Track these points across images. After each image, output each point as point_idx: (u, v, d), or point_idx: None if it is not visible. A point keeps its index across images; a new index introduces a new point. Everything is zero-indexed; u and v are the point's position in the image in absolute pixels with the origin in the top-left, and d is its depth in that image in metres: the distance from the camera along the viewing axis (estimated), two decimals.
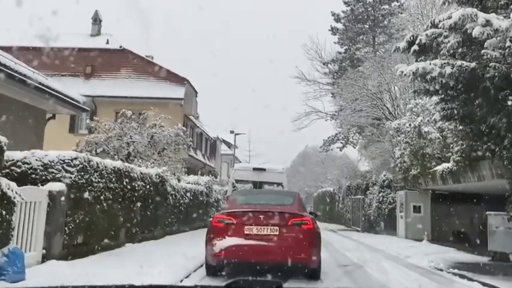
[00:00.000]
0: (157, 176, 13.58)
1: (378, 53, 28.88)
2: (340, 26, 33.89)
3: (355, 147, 31.13)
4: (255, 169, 17.90)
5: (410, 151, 18.20)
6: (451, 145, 16.24)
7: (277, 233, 7.95)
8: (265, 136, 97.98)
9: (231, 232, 8.09)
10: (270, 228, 7.97)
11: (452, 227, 19.80)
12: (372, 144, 25.59)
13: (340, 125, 29.30)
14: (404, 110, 21.35)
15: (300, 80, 30.77)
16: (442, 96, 11.32)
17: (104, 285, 1.65)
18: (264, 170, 17.77)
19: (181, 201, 16.70)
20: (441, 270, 10.79)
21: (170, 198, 14.89)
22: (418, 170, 18.22)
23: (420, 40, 11.70)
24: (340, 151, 32.95)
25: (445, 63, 10.57)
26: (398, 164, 20.71)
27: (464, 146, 14.14)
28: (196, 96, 31.77)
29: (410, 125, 18.22)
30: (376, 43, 32.27)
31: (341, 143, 31.84)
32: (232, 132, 59.78)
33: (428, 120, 17.60)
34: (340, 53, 32.75)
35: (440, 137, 16.72)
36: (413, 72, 10.96)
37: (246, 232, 8.04)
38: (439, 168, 16.18)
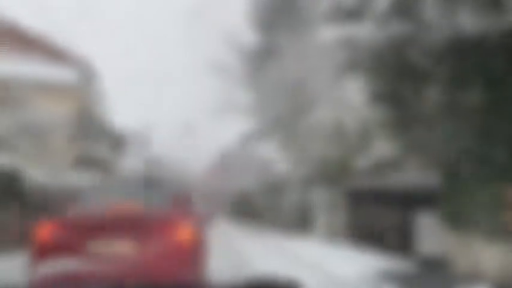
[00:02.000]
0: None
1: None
2: None
3: (271, 144, 29.25)
4: None
5: (330, 145, 16.43)
6: (373, 138, 14.74)
7: (135, 249, 5.19)
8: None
9: (65, 250, 5.19)
10: (123, 242, 5.19)
11: (374, 228, 18.44)
12: (290, 138, 23.80)
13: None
14: (325, 101, 19.79)
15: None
16: (370, 71, 9.42)
17: None
18: None
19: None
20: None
21: (28, 198, 11.45)
22: (338, 166, 16.53)
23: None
24: (255, 148, 30.79)
25: (375, 29, 8.65)
26: (317, 160, 18.93)
27: (390, 137, 12.52)
28: (97, 80, 27.63)
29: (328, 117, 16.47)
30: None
31: (257, 137, 29.78)
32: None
33: (349, 111, 15.99)
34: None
35: (362, 130, 15.19)
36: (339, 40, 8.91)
37: (87, 249, 5.18)
38: (361, 163, 14.58)
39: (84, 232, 5.24)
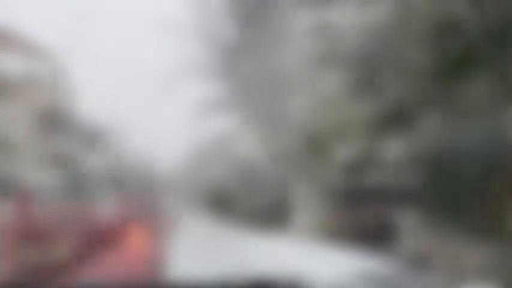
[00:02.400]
0: None
1: None
2: None
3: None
4: None
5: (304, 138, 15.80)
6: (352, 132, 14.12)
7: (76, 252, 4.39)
8: None
9: None
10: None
11: (356, 225, 17.97)
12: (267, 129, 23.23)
13: None
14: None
15: None
16: (349, 61, 8.72)
17: None
18: None
19: None
20: None
21: None
22: (314, 157, 15.89)
23: None
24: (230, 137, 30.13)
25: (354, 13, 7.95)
26: (294, 150, 18.33)
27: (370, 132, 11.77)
28: (66, 74, 25.76)
29: None
30: None
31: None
32: None
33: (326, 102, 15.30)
34: None
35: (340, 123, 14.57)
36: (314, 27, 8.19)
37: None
38: (339, 157, 13.98)
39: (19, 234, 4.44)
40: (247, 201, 26.17)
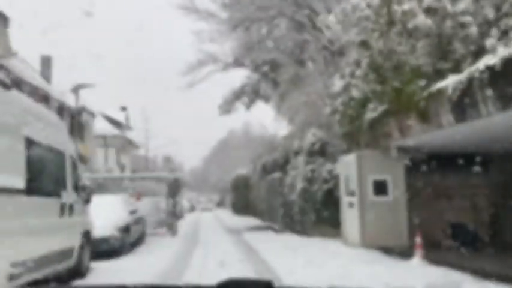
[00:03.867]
0: None
1: None
2: None
3: (267, 103, 21.93)
4: None
5: (370, 66, 9.09)
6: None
7: None
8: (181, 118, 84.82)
9: None
10: None
11: (445, 219, 11.40)
12: (293, 91, 16.59)
13: (244, 64, 19.85)
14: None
15: (188, 11, 20.80)
16: None
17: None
18: None
19: None
20: None
21: None
22: (385, 108, 9.29)
23: None
24: (247, 109, 23.29)
25: None
26: (340, 108, 11.76)
27: None
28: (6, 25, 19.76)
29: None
30: None
31: (248, 97, 22.37)
32: (124, 109, 48.51)
33: None
34: None
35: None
36: None
37: None
38: (442, 87, 7.30)
39: None
40: None
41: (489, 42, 6.39)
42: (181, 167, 60.36)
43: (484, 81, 5.91)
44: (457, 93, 6.47)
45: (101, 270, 7.85)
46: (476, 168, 11.60)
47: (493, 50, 6.31)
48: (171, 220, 14.82)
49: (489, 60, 5.81)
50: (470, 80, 6.19)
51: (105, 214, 9.58)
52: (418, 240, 8.12)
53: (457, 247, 10.61)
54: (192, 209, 49.36)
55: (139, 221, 12.25)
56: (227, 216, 34.30)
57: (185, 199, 54.04)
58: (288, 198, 15.93)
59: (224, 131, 61.38)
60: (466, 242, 10.48)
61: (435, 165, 11.47)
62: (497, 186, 11.19)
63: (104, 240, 9.38)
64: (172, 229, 14.53)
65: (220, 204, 66.34)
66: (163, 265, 8.38)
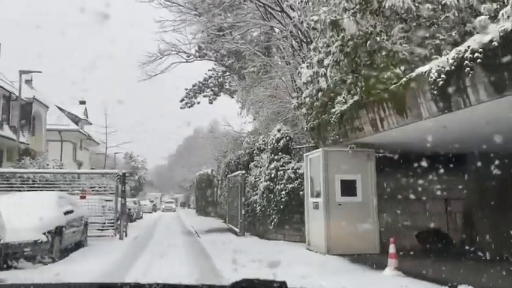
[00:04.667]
0: None
1: None
2: None
3: (232, 97, 20.73)
4: None
5: (342, 51, 8.05)
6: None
7: None
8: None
9: None
10: None
11: (417, 223, 10.55)
12: (259, 84, 15.48)
13: (207, 55, 18.55)
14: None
15: None
16: None
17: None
18: None
19: None
20: None
21: None
22: (357, 99, 8.26)
23: None
24: (211, 103, 21.98)
25: None
26: (307, 100, 10.72)
27: None
28: None
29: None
30: None
31: (212, 90, 21.07)
32: (83, 102, 46.07)
33: None
34: None
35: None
36: None
37: None
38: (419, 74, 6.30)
39: None
40: None
41: (479, 20, 5.49)
42: (144, 165, 58.03)
43: (476, 62, 5.00)
44: (442, 78, 5.54)
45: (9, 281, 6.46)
46: (451, 169, 10.91)
47: (483, 29, 5.41)
48: (120, 221, 13.39)
49: (483, 37, 4.90)
50: (459, 62, 5.27)
51: (32, 214, 8.15)
52: (392, 248, 7.15)
53: (431, 254, 9.89)
54: (154, 209, 47.44)
55: (78, 222, 10.79)
56: (190, 217, 32.81)
57: (147, 198, 52.10)
58: (250, 199, 14.80)
59: (192, 128, 59.71)
60: (438, 247, 9.72)
61: (408, 165, 10.66)
62: (471, 188, 10.51)
63: (28, 245, 7.95)
64: (120, 232, 13.12)
65: (184, 204, 64.58)
66: (92, 277, 7.05)
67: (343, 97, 9.52)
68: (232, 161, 20.64)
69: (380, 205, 10.31)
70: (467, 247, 10.20)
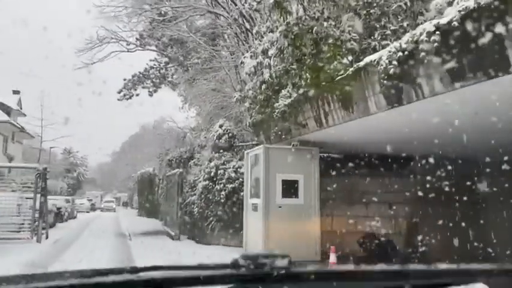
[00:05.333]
0: None
1: None
2: None
3: (175, 90, 19.52)
4: None
5: (286, 37, 7.26)
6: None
7: None
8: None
9: None
10: None
11: (361, 227, 10.01)
12: (203, 76, 14.47)
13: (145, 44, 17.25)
14: None
15: None
16: None
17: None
18: None
19: None
20: None
21: None
22: (301, 92, 7.55)
23: None
24: (151, 95, 20.58)
25: None
26: (250, 93, 9.93)
27: None
28: None
29: None
30: None
31: (152, 82, 19.68)
32: (16, 92, 42.73)
33: None
34: None
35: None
36: None
37: None
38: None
39: None
40: None
41: (435, 3, 4.93)
42: (84, 161, 54.90)
43: (432, 46, 4.41)
44: (393, 65, 4.92)
45: None
46: (397, 172, 10.54)
47: (439, 13, 4.87)
48: (38, 222, 11.90)
49: (441, 19, 4.32)
50: (413, 47, 4.66)
51: None
52: (332, 257, 6.49)
53: (373, 260, 9.42)
54: (93, 208, 44.82)
55: None
56: (128, 217, 31.05)
57: (85, 197, 49.15)
58: (188, 199, 13.78)
59: (138, 125, 57.27)
60: (381, 253, 9.27)
61: (353, 167, 10.15)
62: (416, 192, 10.19)
63: None
64: (38, 233, 11.65)
65: (127, 204, 61.84)
66: None
67: (288, 90, 8.82)
68: (174, 159, 19.49)
69: (323, 208, 9.73)
70: (410, 253, 9.87)
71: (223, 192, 11.37)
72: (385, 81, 5.23)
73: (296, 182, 8.65)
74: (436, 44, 4.27)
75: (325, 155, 10.48)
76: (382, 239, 9.22)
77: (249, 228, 9.41)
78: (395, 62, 4.86)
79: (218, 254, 9.67)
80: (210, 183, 11.84)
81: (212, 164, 12.00)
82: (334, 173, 9.90)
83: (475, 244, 10.27)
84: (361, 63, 5.84)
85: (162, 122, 39.53)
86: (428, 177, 9.88)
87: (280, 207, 8.45)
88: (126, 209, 57.05)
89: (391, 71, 4.93)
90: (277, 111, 8.70)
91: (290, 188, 8.62)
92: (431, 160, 9.91)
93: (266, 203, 8.45)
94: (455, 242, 9.39)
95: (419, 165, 9.86)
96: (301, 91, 7.74)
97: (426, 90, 4.76)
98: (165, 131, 26.12)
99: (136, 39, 17.57)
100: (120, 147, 71.54)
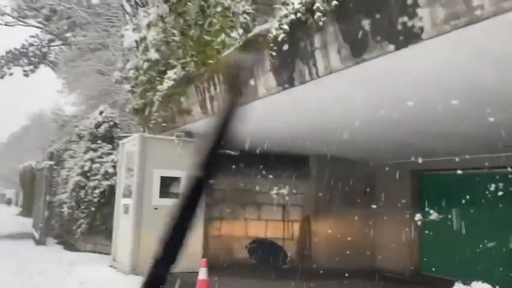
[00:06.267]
0: None
1: None
2: None
3: (56, 71, 17.02)
4: None
5: (167, 2, 5.94)
6: None
7: None
8: None
9: None
10: None
11: (251, 232, 8.95)
12: (88, 58, 12.45)
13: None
14: None
15: None
16: None
17: None
18: None
19: None
20: None
21: None
22: (186, 72, 6.29)
23: None
24: (26, 76, 17.72)
25: None
26: (132, 72, 8.42)
27: None
28: None
29: None
30: None
31: (29, 60, 16.96)
32: None
33: None
34: None
35: None
36: None
37: None
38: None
39: None
40: None
41: None
42: None
43: (330, 5, 3.45)
44: (285, 32, 3.90)
45: None
46: (292, 173, 9.78)
47: None
48: None
49: None
50: (308, 8, 3.67)
51: None
52: (203, 274, 5.31)
53: (260, 269, 8.49)
54: None
55: None
56: (5, 217, 27.15)
57: None
58: (58, 198, 11.73)
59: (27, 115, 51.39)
60: (270, 261, 8.38)
61: (247, 165, 9.16)
62: (311, 194, 9.51)
63: None
64: None
65: (10, 201, 55.35)
66: None
67: (175, 72, 7.52)
68: (55, 151, 17.02)
69: (212, 211, 8.60)
70: (301, 260, 9.15)
71: (97, 191, 9.63)
72: (274, 55, 4.22)
73: (178, 179, 7.36)
74: (334, 2, 3.34)
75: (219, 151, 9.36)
76: (272, 245, 8.32)
77: (119, 234, 7.85)
78: (286, 27, 3.86)
79: (81, 263, 7.97)
80: (83, 179, 10.02)
81: (87, 156, 10.19)
82: (224, 171, 8.82)
83: (367, 252, 9.89)
84: (250, 34, 4.80)
85: (48, 109, 35.63)
86: (325, 178, 9.26)
87: (156, 208, 7.10)
88: (9, 207, 50.95)
89: (280, 38, 3.91)
90: (159, 94, 7.35)
91: (170, 187, 7.31)
92: (328, 160, 9.31)
93: (139, 203, 7.00)
94: (349, 246, 8.84)
95: (313, 165, 9.18)
96: (187, 69, 6.50)
97: (321, 67, 3.83)
98: (50, 120, 23.13)
99: (13, 9, 14.91)
100: (7, 138, 64.32)
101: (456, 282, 4.65)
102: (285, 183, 9.09)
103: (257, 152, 8.70)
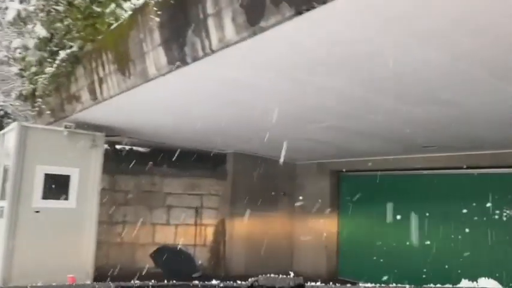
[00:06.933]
0: None
1: None
2: None
3: None
4: None
5: None
6: None
7: None
8: None
9: None
10: None
11: (158, 239, 8.03)
12: None
13: None
14: None
15: None
16: None
17: None
18: None
19: None
20: None
21: None
22: (76, 49, 5.33)
23: None
24: None
25: None
26: (18, 52, 7.22)
27: None
28: None
29: None
30: None
31: None
32: None
33: None
34: None
35: None
36: None
37: None
38: None
39: None
40: None
41: None
42: None
43: None
44: None
45: None
46: (207, 172, 9.02)
47: None
48: None
49: None
50: None
51: None
52: None
53: (171, 277, 7.66)
54: None
55: None
56: None
57: None
58: None
59: None
60: (178, 270, 7.56)
61: (156, 163, 8.26)
62: (226, 196, 8.82)
63: None
64: None
65: None
66: None
67: (69, 52, 6.45)
68: None
69: (112, 215, 7.61)
70: (214, 268, 8.41)
71: None
72: (162, 24, 3.45)
73: (67, 177, 6.29)
74: None
75: (124, 147, 8.37)
76: (180, 252, 7.51)
77: None
78: None
79: None
80: None
81: None
82: (131, 169, 7.84)
83: (286, 256, 9.42)
84: (140, 1, 3.99)
85: None
86: (243, 178, 8.63)
87: (37, 212, 5.98)
88: None
89: (171, 5, 3.15)
90: (43, 77, 6.25)
91: (57, 186, 6.21)
92: (247, 158, 8.67)
93: (15, 206, 5.85)
94: (266, 251, 8.27)
95: (233, 164, 8.50)
96: (74, 48, 5.50)
97: (214, 39, 3.13)
98: None
99: None
100: None
101: (463, 279, 4.23)
102: (199, 183, 8.31)
103: (167, 149, 7.86)
